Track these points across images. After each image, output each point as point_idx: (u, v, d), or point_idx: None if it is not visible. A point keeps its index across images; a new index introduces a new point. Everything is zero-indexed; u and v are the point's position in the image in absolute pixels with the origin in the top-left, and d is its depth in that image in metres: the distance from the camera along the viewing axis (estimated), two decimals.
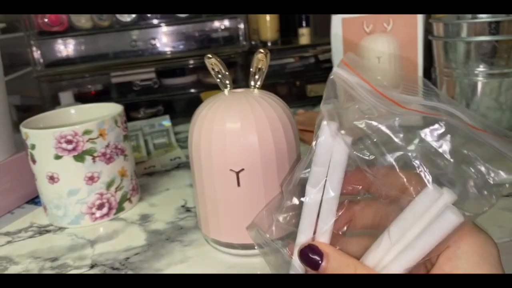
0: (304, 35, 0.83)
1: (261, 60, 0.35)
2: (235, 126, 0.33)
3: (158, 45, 0.78)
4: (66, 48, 0.77)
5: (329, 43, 0.66)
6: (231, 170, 0.33)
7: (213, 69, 0.36)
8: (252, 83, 0.36)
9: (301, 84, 0.84)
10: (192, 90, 0.81)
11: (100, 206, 0.45)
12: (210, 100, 0.36)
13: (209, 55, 0.36)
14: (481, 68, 0.54)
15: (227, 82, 0.36)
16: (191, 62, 0.79)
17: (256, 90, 0.36)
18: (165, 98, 0.81)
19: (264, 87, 0.37)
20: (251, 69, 0.36)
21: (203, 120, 0.34)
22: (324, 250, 0.26)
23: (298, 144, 0.36)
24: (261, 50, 0.35)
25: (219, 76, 0.36)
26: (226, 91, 0.37)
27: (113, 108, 0.48)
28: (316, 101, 0.83)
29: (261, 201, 0.34)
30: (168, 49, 0.79)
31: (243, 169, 0.33)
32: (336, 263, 0.26)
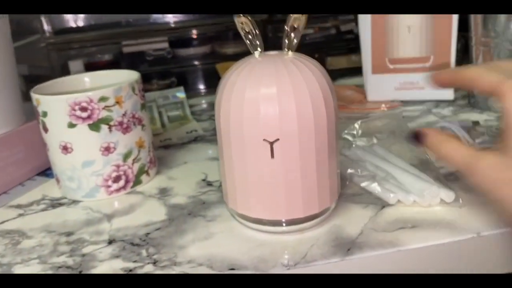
0: None
1: (297, 19, 0.32)
2: (270, 91, 0.29)
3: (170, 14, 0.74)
4: (75, 15, 0.74)
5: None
6: (264, 140, 0.30)
7: (243, 28, 0.33)
8: (287, 43, 0.32)
9: (320, 56, 0.80)
10: (206, 61, 0.78)
11: (117, 179, 0.42)
12: (239, 64, 0.32)
13: (240, 14, 0.32)
14: None
15: (258, 43, 0.33)
16: (205, 31, 0.76)
17: (290, 53, 0.33)
18: (178, 69, 0.78)
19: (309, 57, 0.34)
20: (285, 28, 0.32)
21: (232, 86, 0.31)
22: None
23: (338, 114, 0.33)
24: None
25: (249, 37, 0.33)
26: (256, 53, 0.33)
27: (129, 75, 0.45)
28: (336, 75, 0.79)
29: (297, 174, 0.31)
30: (181, 17, 0.75)
31: (278, 139, 0.30)
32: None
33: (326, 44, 0.80)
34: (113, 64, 0.77)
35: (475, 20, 0.54)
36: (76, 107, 0.39)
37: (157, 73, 0.76)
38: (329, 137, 0.31)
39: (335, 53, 0.80)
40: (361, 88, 0.66)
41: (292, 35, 0.32)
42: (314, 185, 0.31)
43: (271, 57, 0.32)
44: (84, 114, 0.39)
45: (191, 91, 0.71)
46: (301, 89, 0.30)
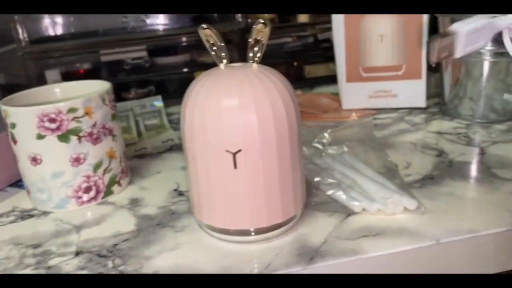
0: None
1: (260, 31, 0.32)
2: (232, 103, 0.30)
3: (149, 22, 0.74)
4: (52, 23, 0.74)
5: (328, 21, 0.63)
6: (227, 151, 0.30)
7: (207, 41, 0.33)
8: (251, 56, 0.33)
9: (298, 65, 0.81)
10: (186, 70, 0.78)
11: (87, 189, 0.42)
12: (205, 75, 0.33)
13: (204, 25, 0.33)
14: (489, 47, 0.51)
15: (223, 54, 0.33)
16: (184, 40, 0.76)
17: (255, 65, 0.33)
18: (157, 77, 0.78)
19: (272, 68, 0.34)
20: (249, 41, 0.33)
21: (196, 96, 0.31)
22: None
23: (300, 124, 0.33)
24: (261, 21, 0.32)
25: (214, 48, 0.33)
26: (222, 65, 0.34)
27: (100, 86, 0.45)
28: (313, 82, 0.80)
29: (260, 184, 0.31)
30: (159, 26, 0.75)
31: (240, 150, 0.30)
32: None
33: (304, 52, 0.81)
34: (92, 73, 0.76)
35: (444, 30, 0.55)
36: (45, 119, 0.39)
37: (135, 81, 0.76)
38: (291, 147, 0.32)
39: (313, 62, 0.81)
40: (337, 96, 0.67)
41: (256, 47, 0.33)
42: (277, 194, 0.32)
43: (235, 69, 0.33)
44: (53, 126, 0.39)
45: (169, 100, 0.71)
46: (262, 100, 0.30)
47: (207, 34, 0.33)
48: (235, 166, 0.31)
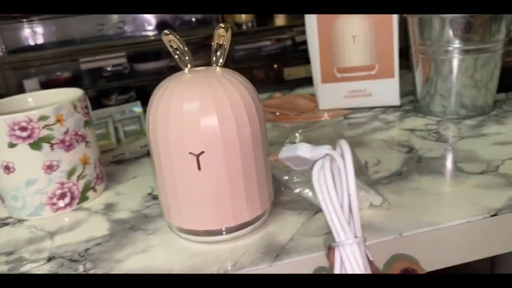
0: (280, 16, 0.80)
1: (222, 35, 0.33)
2: (193, 106, 0.31)
3: (127, 28, 0.75)
4: (30, 33, 0.74)
5: (305, 24, 0.64)
6: (190, 153, 0.31)
7: (171, 46, 0.34)
8: (214, 60, 0.34)
9: (278, 67, 0.82)
10: (166, 75, 0.79)
11: (62, 196, 0.42)
12: (168, 79, 0.34)
13: (166, 31, 0.33)
14: (456, 45, 0.52)
15: (187, 59, 0.34)
16: (163, 46, 0.77)
17: (218, 68, 0.34)
18: (137, 83, 0.78)
19: (240, 70, 0.35)
20: (212, 45, 0.34)
21: (159, 100, 0.32)
22: None
23: (264, 125, 0.34)
24: (222, 25, 0.33)
25: (178, 53, 0.34)
26: (186, 69, 0.34)
27: (73, 93, 0.45)
28: (293, 84, 0.81)
29: (224, 185, 0.32)
30: (138, 33, 0.76)
31: (203, 152, 0.31)
32: None
33: (283, 55, 0.82)
34: (72, 81, 0.77)
35: (413, 29, 0.56)
36: (15, 127, 0.39)
37: (116, 88, 0.77)
38: (254, 148, 0.32)
39: (292, 64, 0.82)
40: (314, 97, 0.68)
41: (218, 52, 0.34)
42: (242, 194, 0.33)
43: (198, 73, 0.33)
44: (24, 134, 0.40)
45: None
46: (223, 103, 0.31)
47: (170, 39, 0.34)
48: (199, 168, 0.31)
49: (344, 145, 0.24)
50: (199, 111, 0.30)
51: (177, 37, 0.34)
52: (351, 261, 0.24)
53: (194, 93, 0.31)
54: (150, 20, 0.75)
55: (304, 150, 0.25)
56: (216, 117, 0.30)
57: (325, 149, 0.24)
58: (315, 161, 0.24)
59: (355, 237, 0.24)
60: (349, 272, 0.24)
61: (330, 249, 0.25)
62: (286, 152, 0.27)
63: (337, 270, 0.24)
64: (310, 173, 0.25)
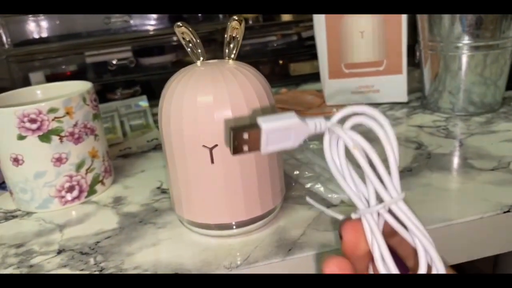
0: None
1: (235, 28, 0.33)
2: (207, 99, 0.30)
3: (132, 22, 0.74)
4: (36, 26, 0.73)
5: (311, 20, 0.64)
6: (204, 146, 0.31)
7: (183, 38, 0.34)
8: (227, 52, 0.34)
9: (284, 63, 0.82)
10: (172, 70, 0.78)
11: (70, 189, 0.42)
12: (181, 72, 0.33)
13: (179, 23, 0.33)
14: (466, 41, 0.52)
15: (199, 51, 0.34)
16: (169, 40, 0.76)
17: (231, 61, 0.34)
18: (142, 78, 0.78)
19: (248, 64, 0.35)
20: (225, 38, 0.33)
21: (172, 93, 0.32)
22: None
23: None
24: (235, 17, 0.33)
25: (190, 45, 0.34)
26: (198, 62, 0.34)
27: (81, 86, 0.45)
28: (299, 80, 0.81)
29: (237, 179, 0.32)
30: (144, 27, 0.76)
31: (216, 145, 0.31)
32: None
33: (289, 50, 0.82)
34: (77, 75, 0.76)
35: (422, 25, 0.56)
36: (25, 119, 0.39)
37: (121, 82, 0.76)
38: None
39: (298, 59, 0.81)
40: (321, 93, 0.67)
41: (231, 44, 0.33)
42: (255, 188, 0.32)
43: (211, 65, 0.33)
44: (34, 126, 0.39)
45: (155, 100, 0.71)
46: (237, 96, 0.31)
47: (183, 31, 0.33)
48: (212, 161, 0.31)
49: (366, 108, 0.22)
50: (214, 104, 0.30)
51: (190, 29, 0.34)
52: (403, 218, 0.21)
53: (208, 86, 0.31)
54: (156, 14, 0.75)
55: (289, 120, 0.22)
56: (230, 110, 0.30)
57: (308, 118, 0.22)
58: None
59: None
60: (409, 227, 0.21)
61: (346, 224, 0.23)
62: (268, 122, 0.21)
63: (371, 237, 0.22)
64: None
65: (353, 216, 0.23)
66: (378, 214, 0.22)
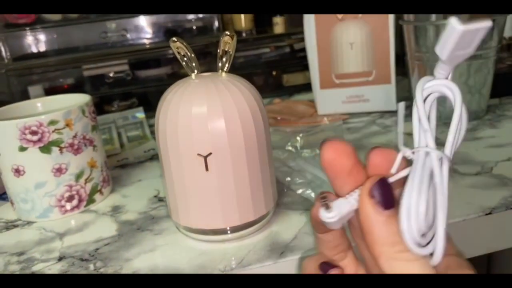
0: (279, 24, 0.82)
1: (227, 42, 0.35)
2: (201, 110, 0.32)
3: (129, 36, 0.76)
4: (34, 40, 0.75)
5: (303, 32, 0.66)
6: (198, 154, 0.32)
7: (179, 52, 0.35)
8: (220, 65, 0.35)
9: (277, 74, 0.84)
10: (167, 82, 0.80)
11: (70, 199, 0.44)
12: (176, 84, 0.35)
13: (174, 39, 0.35)
14: None
15: (194, 65, 0.36)
16: (164, 53, 0.78)
17: (224, 74, 0.36)
18: (139, 90, 0.80)
19: (240, 76, 0.37)
20: (218, 52, 0.35)
21: (168, 104, 0.33)
22: None
23: (268, 128, 0.36)
24: (227, 33, 0.35)
25: (185, 59, 0.35)
26: (193, 75, 0.36)
27: (80, 98, 0.47)
28: (292, 90, 0.83)
29: (230, 185, 0.33)
30: (140, 40, 0.78)
31: (210, 153, 0.32)
32: None
33: (282, 62, 0.84)
34: (75, 88, 0.78)
35: (408, 36, 0.58)
36: (26, 131, 0.41)
37: (118, 95, 0.78)
38: (259, 150, 0.34)
39: (291, 70, 0.84)
40: (313, 103, 0.69)
41: (224, 58, 0.35)
42: (248, 194, 0.34)
43: (205, 78, 0.35)
44: (35, 138, 0.41)
45: (151, 111, 0.73)
46: (229, 106, 0.32)
47: (178, 46, 0.35)
48: (206, 169, 0.33)
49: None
50: (207, 115, 0.32)
51: (185, 44, 0.35)
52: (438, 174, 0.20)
53: (202, 98, 0.32)
54: (152, 28, 0.77)
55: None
56: (223, 120, 0.32)
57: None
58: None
59: None
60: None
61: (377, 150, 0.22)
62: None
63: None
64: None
65: (403, 150, 0.21)
66: (428, 156, 0.21)
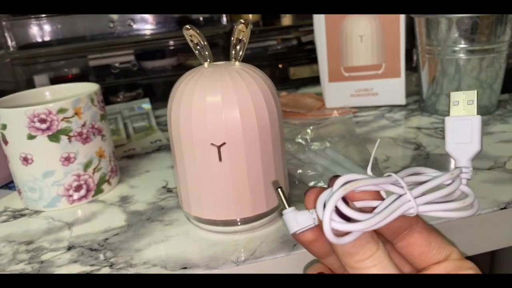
0: (286, 16, 0.82)
1: (242, 31, 0.34)
2: (215, 99, 0.32)
3: (135, 26, 0.76)
4: (40, 29, 0.75)
5: (311, 24, 0.66)
6: (212, 144, 0.32)
7: (191, 40, 0.35)
8: (233, 54, 0.35)
9: (284, 67, 0.83)
10: (173, 73, 0.80)
11: (78, 188, 0.43)
12: (189, 73, 0.35)
13: (187, 26, 0.34)
14: (462, 45, 0.54)
15: (207, 53, 0.35)
16: (171, 43, 0.78)
17: (237, 63, 0.35)
18: (144, 81, 0.79)
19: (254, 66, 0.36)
20: (231, 40, 0.35)
21: (181, 94, 0.33)
22: None
23: (281, 119, 0.35)
24: (242, 21, 0.34)
25: (198, 48, 0.35)
26: (205, 63, 0.35)
27: (89, 87, 0.46)
28: (299, 83, 0.82)
29: (244, 176, 0.33)
30: (146, 30, 0.77)
31: (224, 143, 0.32)
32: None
33: (289, 55, 0.83)
34: (80, 78, 0.77)
35: (420, 30, 0.58)
36: (35, 119, 0.40)
37: (123, 85, 0.78)
38: (273, 140, 0.33)
39: (298, 63, 0.83)
40: (320, 96, 0.69)
41: (238, 46, 0.35)
42: (261, 185, 0.33)
43: (218, 67, 0.34)
44: (44, 126, 0.40)
45: (157, 102, 0.73)
46: (244, 96, 0.32)
47: (191, 34, 0.34)
48: (220, 159, 0.32)
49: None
50: (222, 104, 0.31)
51: (198, 32, 0.35)
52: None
53: (216, 87, 0.32)
54: (159, 18, 0.76)
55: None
56: (238, 110, 0.31)
57: None
58: None
59: None
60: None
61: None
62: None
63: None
64: None
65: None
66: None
